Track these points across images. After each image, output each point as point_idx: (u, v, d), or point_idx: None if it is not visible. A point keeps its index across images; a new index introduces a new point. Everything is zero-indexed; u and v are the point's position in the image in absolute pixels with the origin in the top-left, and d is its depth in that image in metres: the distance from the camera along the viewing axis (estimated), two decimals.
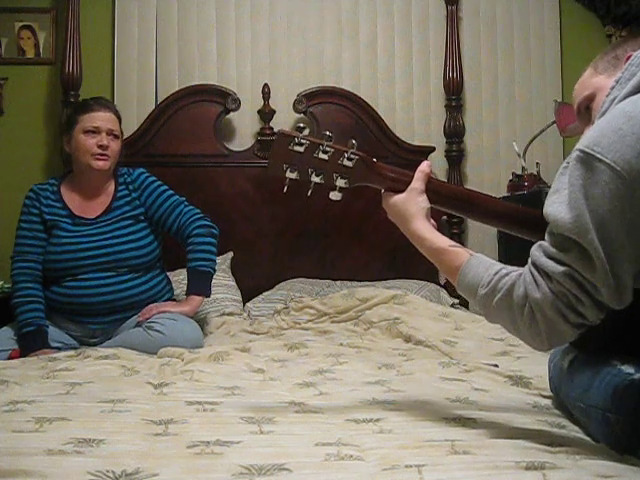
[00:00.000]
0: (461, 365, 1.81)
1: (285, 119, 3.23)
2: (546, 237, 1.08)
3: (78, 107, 2.46)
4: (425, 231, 1.23)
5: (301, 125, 1.24)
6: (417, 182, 1.26)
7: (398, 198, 1.26)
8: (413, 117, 3.32)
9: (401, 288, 2.78)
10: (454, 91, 3.21)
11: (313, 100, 3.18)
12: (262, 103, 3.16)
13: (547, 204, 1.08)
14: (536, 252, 1.08)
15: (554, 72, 3.38)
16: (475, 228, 3.26)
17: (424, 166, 1.28)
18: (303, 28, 3.29)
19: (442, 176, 3.31)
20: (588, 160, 1.02)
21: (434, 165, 3.30)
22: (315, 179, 1.23)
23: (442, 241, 1.22)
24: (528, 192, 2.87)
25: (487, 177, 3.35)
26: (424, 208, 1.25)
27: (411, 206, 1.24)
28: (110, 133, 2.37)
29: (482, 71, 3.38)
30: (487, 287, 1.11)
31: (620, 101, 1.11)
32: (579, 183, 1.02)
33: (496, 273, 1.12)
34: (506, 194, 3.02)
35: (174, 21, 3.21)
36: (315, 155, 1.22)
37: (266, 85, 3.15)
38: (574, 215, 1.01)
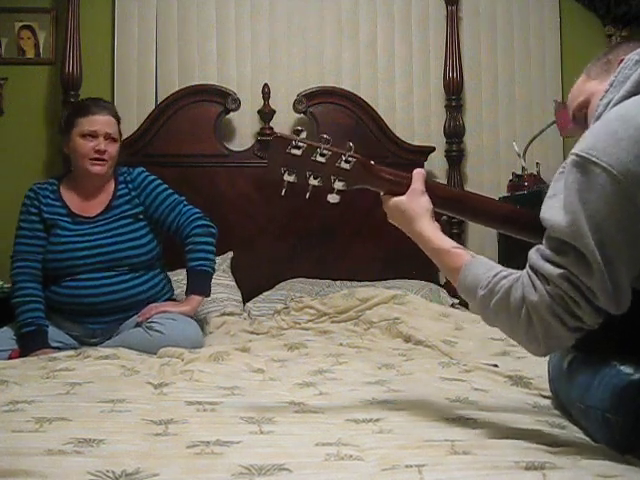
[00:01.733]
0: (461, 365, 1.81)
1: (285, 119, 3.23)
2: (544, 241, 1.07)
3: (76, 109, 2.45)
4: (429, 231, 1.23)
5: (299, 128, 1.25)
6: (417, 182, 1.26)
7: (400, 200, 1.26)
8: (413, 117, 3.32)
9: (401, 288, 2.78)
10: (454, 91, 3.21)
11: (313, 100, 3.18)
12: (262, 103, 3.16)
13: (544, 209, 1.08)
14: (534, 255, 1.08)
15: (554, 72, 3.38)
16: (475, 228, 3.25)
17: (420, 169, 1.28)
18: (303, 28, 3.29)
19: (442, 176, 3.31)
20: (584, 164, 1.02)
21: (434, 165, 3.31)
22: (313, 182, 1.23)
23: (445, 242, 1.22)
24: (528, 192, 2.87)
25: (487, 177, 3.35)
26: (428, 209, 1.25)
27: (416, 207, 1.24)
28: (108, 137, 2.36)
29: (482, 71, 3.38)
30: (485, 289, 1.11)
31: (615, 104, 1.11)
32: (575, 187, 1.02)
33: (495, 275, 1.11)
34: (506, 194, 3.02)
35: (174, 21, 3.21)
36: (313, 158, 1.22)
37: (266, 85, 3.15)
38: (570, 219, 1.01)
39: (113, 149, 2.38)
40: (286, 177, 1.22)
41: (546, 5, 3.40)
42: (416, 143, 3.25)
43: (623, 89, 1.13)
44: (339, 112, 3.20)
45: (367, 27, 3.31)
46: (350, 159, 1.24)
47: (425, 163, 3.22)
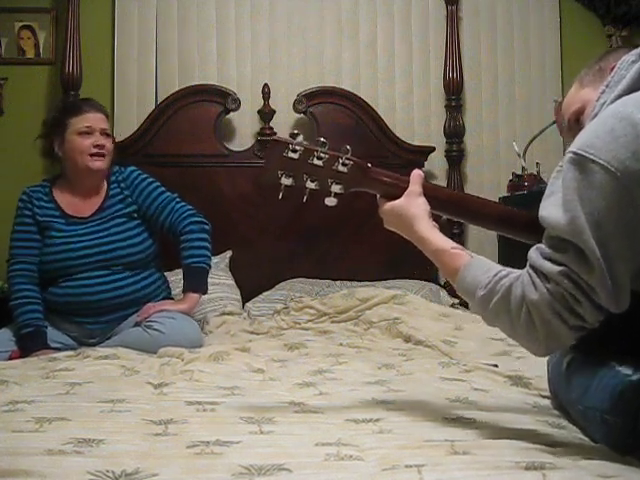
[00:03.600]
0: (461, 365, 1.81)
1: (285, 119, 3.23)
2: (543, 240, 1.07)
3: (68, 109, 2.46)
4: (428, 233, 1.23)
5: (295, 132, 1.25)
6: (414, 185, 1.26)
7: (397, 202, 1.26)
8: (413, 117, 3.32)
9: (401, 288, 2.78)
10: (454, 91, 3.21)
11: (313, 100, 3.18)
12: (262, 103, 3.16)
13: (542, 207, 1.08)
14: (533, 254, 1.08)
15: (554, 72, 3.38)
16: (475, 228, 3.25)
17: (418, 170, 1.28)
18: (303, 28, 3.29)
19: (442, 176, 3.31)
20: (582, 162, 1.02)
21: (434, 165, 3.31)
22: (310, 185, 1.24)
23: (444, 243, 1.22)
24: (528, 192, 2.87)
25: (487, 177, 3.35)
26: (426, 210, 1.25)
27: (413, 208, 1.24)
28: (103, 132, 2.39)
29: (482, 71, 3.38)
30: (485, 289, 1.11)
31: (611, 103, 1.11)
32: (573, 185, 1.02)
33: (495, 275, 1.11)
34: (506, 194, 3.02)
35: (174, 21, 3.21)
36: (310, 161, 1.22)
37: (266, 85, 3.15)
38: (569, 217, 1.01)
39: (109, 144, 2.41)
40: (283, 180, 1.23)
41: (546, 5, 3.40)
42: (416, 143, 3.25)
43: (618, 88, 1.13)
44: (339, 112, 3.20)
45: (367, 27, 3.31)
46: (347, 162, 1.24)
47: (425, 163, 3.22)
